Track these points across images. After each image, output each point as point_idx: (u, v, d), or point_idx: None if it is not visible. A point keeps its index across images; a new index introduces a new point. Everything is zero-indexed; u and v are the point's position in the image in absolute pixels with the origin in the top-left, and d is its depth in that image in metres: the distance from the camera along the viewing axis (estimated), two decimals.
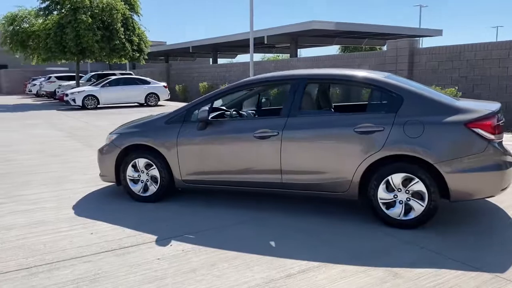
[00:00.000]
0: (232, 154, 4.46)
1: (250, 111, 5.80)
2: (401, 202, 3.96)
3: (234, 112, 5.09)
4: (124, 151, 4.95)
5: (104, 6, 23.23)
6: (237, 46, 26.77)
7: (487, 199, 4.44)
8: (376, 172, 4.01)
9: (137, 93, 21.03)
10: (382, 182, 3.99)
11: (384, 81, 4.18)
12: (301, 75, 4.47)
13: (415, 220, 3.93)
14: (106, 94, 20.16)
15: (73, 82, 26.11)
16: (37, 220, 4.34)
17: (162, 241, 3.76)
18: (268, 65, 20.39)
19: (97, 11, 23.05)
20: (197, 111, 4.62)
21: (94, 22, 23.03)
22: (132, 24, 25.59)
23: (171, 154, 4.68)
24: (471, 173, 3.79)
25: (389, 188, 4.00)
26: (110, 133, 5.15)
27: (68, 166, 6.95)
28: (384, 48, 19.06)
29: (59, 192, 5.40)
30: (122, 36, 24.28)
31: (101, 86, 20.51)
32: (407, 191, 3.93)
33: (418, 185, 3.87)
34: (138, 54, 26.32)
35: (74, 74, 27.34)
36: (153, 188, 4.86)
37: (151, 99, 21.25)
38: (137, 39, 25.80)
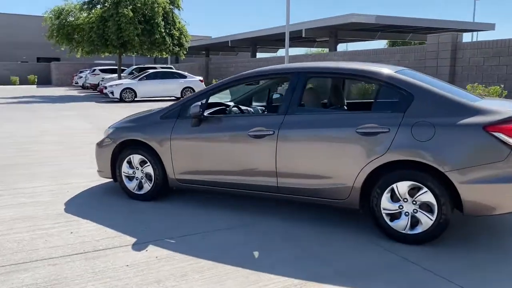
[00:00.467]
0: (226, 154, 4.14)
1: (259, 107, 5.46)
2: (407, 214, 3.50)
3: (234, 108, 4.76)
4: (120, 146, 4.75)
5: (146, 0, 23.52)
6: (276, 40, 26.32)
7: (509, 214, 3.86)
8: (380, 179, 3.56)
9: (174, 86, 21.14)
10: (386, 191, 3.53)
11: (392, 76, 3.70)
12: (301, 68, 4.06)
13: (422, 235, 3.45)
14: (143, 88, 20.38)
15: (115, 75, 26.71)
16: (24, 216, 4.21)
17: (139, 245, 3.51)
18: (304, 59, 19.85)
19: (139, 4, 23.38)
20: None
21: (136, 16, 23.37)
22: (172, 18, 25.81)
23: (164, 151, 4.42)
24: (490, 185, 3.26)
25: (394, 197, 3.54)
26: (109, 127, 4.96)
27: (80, 159, 6.89)
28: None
29: (60, 186, 5.29)
30: (163, 30, 24.51)
31: (139, 80, 20.76)
32: (414, 202, 3.45)
33: (427, 196, 3.39)
34: (178, 48, 26.55)
35: (124, 67, 28.02)
36: (147, 186, 4.63)
37: (187, 93, 21.29)
38: (177, 33, 26.01)
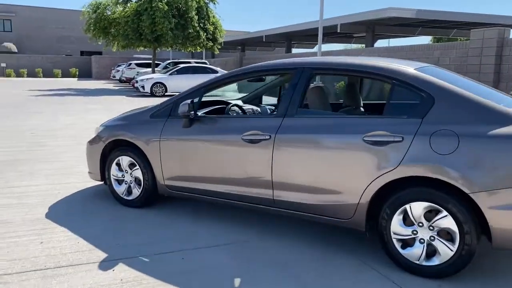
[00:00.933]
0: (218, 160, 3.65)
1: (268, 107, 4.94)
2: (422, 241, 2.89)
3: (234, 107, 4.27)
4: (112, 145, 4.36)
5: None
6: (311, 35, 25.53)
7: None
8: (390, 197, 2.97)
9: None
10: (398, 212, 2.94)
11: (409, 73, 3.08)
12: (303, 64, 3.50)
13: (439, 268, 2.84)
14: (173, 82, 20.20)
15: (150, 70, 26.79)
16: (1, 220, 3.89)
17: (108, 263, 3.08)
18: (336, 55, 19.03)
19: None
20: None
21: (170, 10, 23.25)
22: (207, 12, 25.56)
23: (153, 153, 3.98)
24: None
25: (406, 220, 2.94)
26: (101, 125, 4.58)
27: (85, 157, 6.58)
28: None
29: (54, 186, 4.97)
30: (196, 25, 24.30)
31: (170, 74, 20.61)
32: (431, 227, 2.84)
33: (447, 221, 2.77)
34: (212, 43, 26.30)
35: (158, 61, 28.11)
36: (136, 192, 4.21)
37: None
38: (211, 28, 25.74)
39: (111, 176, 4.34)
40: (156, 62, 28.30)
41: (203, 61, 28.87)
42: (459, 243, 2.75)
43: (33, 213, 4.06)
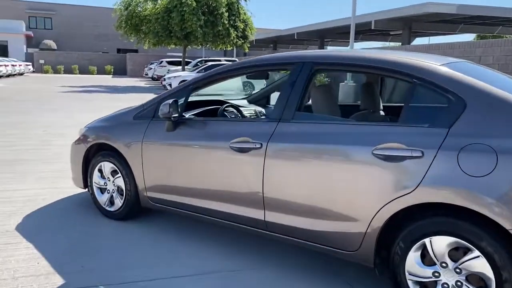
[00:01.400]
0: (203, 170, 3.09)
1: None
2: (445, 286, 2.24)
3: (229, 108, 3.71)
4: (95, 149, 3.90)
5: None
6: (345, 32, 24.60)
7: None
8: (405, 227, 2.33)
9: (233, 80, 20.38)
10: (415, 247, 2.30)
11: (434, 70, 2.42)
12: (304, 58, 2.89)
13: None
14: None
15: (180, 67, 26.63)
16: None
17: None
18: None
19: None
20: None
21: (199, 7, 22.93)
22: (237, 9, 25.08)
23: (135, 160, 3.48)
24: None
25: (426, 258, 2.30)
26: (85, 126, 4.11)
27: None
28: None
29: (42, 191, 4.57)
30: (226, 22, 23.87)
31: (197, 72, 20.26)
32: (457, 270, 2.19)
33: (479, 263, 2.11)
34: (242, 41, 25.82)
35: (187, 59, 27.91)
36: (118, 203, 3.73)
37: (246, 88, 20.45)
38: (242, 25, 25.25)
39: (93, 183, 3.88)
40: (186, 60, 28.11)
41: (233, 59, 28.46)
42: None
43: (3, 224, 3.64)
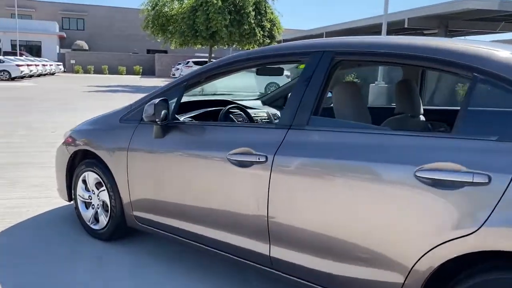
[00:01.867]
0: (194, 188, 2.48)
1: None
2: None
3: (234, 110, 3.09)
4: (81, 156, 3.35)
5: None
6: (377, 31, 23.62)
7: None
8: (462, 282, 1.64)
9: (257, 80, 19.83)
10: None
11: (505, 61, 1.73)
12: (322, 45, 2.23)
13: None
14: None
15: None
16: None
17: None
18: None
19: None
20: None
21: (225, 6, 22.48)
22: (264, 8, 24.51)
23: (120, 171, 2.90)
24: None
25: None
26: (70, 129, 3.56)
27: None
28: None
29: (27, 201, 4.07)
30: (252, 21, 23.32)
31: None
32: None
33: None
34: (268, 40, 25.21)
35: (213, 59, 27.54)
36: (103, 220, 3.16)
37: (271, 89, 19.86)
38: (268, 25, 24.66)
39: (77, 196, 3.33)
40: (213, 60, 27.74)
41: None
42: None
43: None
